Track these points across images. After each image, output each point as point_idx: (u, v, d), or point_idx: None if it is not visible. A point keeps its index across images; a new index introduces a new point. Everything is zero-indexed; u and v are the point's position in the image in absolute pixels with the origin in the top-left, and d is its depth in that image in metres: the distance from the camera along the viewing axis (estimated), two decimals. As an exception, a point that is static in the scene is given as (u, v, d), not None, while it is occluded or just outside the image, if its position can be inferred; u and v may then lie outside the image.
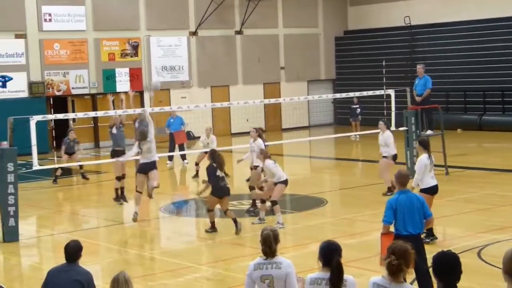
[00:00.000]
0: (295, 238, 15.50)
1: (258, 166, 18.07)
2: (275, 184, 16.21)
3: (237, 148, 27.22)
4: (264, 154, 16.57)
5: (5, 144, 19.12)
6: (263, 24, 39.18)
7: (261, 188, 17.20)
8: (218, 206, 16.24)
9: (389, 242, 9.96)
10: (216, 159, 15.76)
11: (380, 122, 19.72)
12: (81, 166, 24.35)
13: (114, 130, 20.25)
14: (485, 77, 34.74)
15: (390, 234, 10.26)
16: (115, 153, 19.85)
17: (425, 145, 14.19)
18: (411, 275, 9.62)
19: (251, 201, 18.38)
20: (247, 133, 23.05)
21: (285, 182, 16.38)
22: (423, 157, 13.97)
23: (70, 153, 24.06)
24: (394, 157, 19.42)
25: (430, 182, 13.88)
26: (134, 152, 17.87)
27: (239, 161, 20.15)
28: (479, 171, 23.06)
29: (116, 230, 17.59)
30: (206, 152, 22.37)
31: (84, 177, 24.52)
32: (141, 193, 17.43)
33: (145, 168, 17.45)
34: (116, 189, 19.91)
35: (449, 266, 5.91)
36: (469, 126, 34.24)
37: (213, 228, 15.91)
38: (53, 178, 24.16)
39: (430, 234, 13.94)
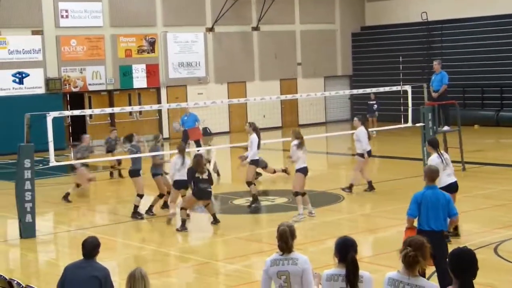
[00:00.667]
0: (312, 234, 15.47)
1: (256, 159, 18.62)
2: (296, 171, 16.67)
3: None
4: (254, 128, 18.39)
5: None
6: (280, 20, 39.15)
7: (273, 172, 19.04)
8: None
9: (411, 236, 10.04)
10: (195, 163, 16.21)
11: (355, 119, 20.30)
12: (119, 162, 24.39)
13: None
14: (502, 72, 34.64)
15: (413, 228, 10.30)
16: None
17: (434, 145, 14.28)
18: (429, 270, 9.64)
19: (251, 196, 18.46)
20: (265, 129, 23.15)
21: (302, 171, 16.41)
22: (433, 157, 14.00)
23: (111, 151, 24.31)
24: (369, 153, 19.60)
25: (446, 180, 13.82)
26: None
27: (242, 159, 19.70)
28: (496, 167, 22.97)
29: (133, 227, 17.63)
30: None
31: (120, 175, 24.53)
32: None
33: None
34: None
35: (466, 263, 5.87)
36: (486, 122, 34.10)
37: (183, 227, 16.14)
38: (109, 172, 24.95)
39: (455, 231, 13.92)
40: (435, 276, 10.33)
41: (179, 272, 13.33)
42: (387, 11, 40.49)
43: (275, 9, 37.77)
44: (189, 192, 16.69)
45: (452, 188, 13.87)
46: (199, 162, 16.14)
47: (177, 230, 16.13)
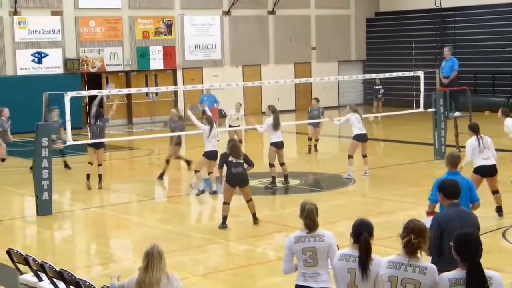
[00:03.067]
0: (323, 216, 15.46)
1: (277, 142, 18.79)
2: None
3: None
4: None
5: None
6: (295, 4, 39.37)
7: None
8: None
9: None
10: (230, 147, 14.78)
11: (347, 105, 21.10)
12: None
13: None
14: (512, 60, 34.82)
15: (435, 213, 10.45)
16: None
17: (474, 129, 14.79)
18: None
19: (271, 178, 18.80)
20: (280, 111, 23.52)
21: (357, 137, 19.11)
22: (471, 140, 14.62)
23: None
24: (359, 136, 19.99)
25: (479, 162, 14.52)
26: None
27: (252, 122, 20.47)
28: (506, 152, 23.15)
29: (147, 206, 17.97)
30: (236, 127, 22.89)
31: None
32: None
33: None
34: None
35: (472, 246, 6.02)
36: (497, 108, 34.12)
37: (224, 224, 14.75)
38: None
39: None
40: None
41: (190, 252, 13.49)
42: (401, -3, 40.65)
43: (291, -7, 38.01)
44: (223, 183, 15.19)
45: (483, 171, 14.53)
46: (234, 147, 14.76)
47: (219, 227, 14.73)
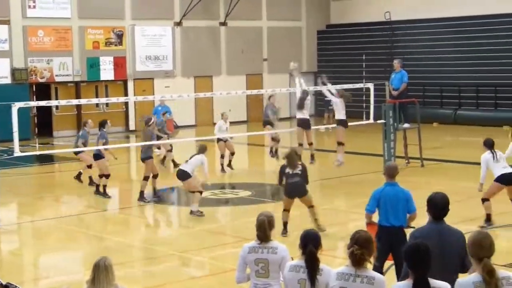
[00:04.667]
0: (275, 227, 15.78)
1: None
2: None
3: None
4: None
5: None
6: (247, 16, 39.49)
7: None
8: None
9: (373, 231, 10.35)
10: (288, 157, 14.62)
11: None
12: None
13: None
14: (460, 72, 35.50)
15: (373, 224, 10.49)
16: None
17: (487, 145, 15.09)
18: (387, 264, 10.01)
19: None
20: (230, 123, 23.63)
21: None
22: (485, 154, 15.03)
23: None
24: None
25: (500, 171, 14.81)
26: None
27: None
28: (454, 164, 23.53)
29: (98, 218, 17.83)
30: (224, 141, 22.77)
31: None
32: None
33: None
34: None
35: (420, 257, 6.05)
36: (445, 120, 34.92)
37: (285, 230, 14.60)
38: None
39: (488, 219, 15.01)
40: (392, 270, 10.56)
41: (143, 263, 13.48)
42: (352, 10, 41.02)
43: (242, 5, 38.06)
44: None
45: (504, 179, 14.81)
46: (292, 156, 14.53)
47: (282, 234, 14.37)
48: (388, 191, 10.43)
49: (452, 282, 6.22)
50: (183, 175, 16.78)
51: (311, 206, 14.77)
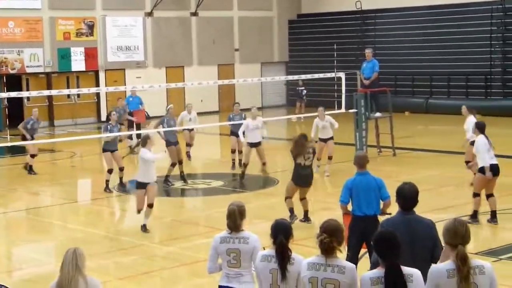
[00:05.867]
0: (247, 217, 15.80)
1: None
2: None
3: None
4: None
5: None
6: (218, 6, 39.41)
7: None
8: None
9: (348, 222, 10.42)
10: (298, 147, 14.50)
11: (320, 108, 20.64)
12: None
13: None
14: (432, 61, 35.69)
15: (349, 214, 10.52)
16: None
17: (480, 128, 14.42)
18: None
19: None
20: (202, 113, 23.59)
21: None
22: (481, 138, 14.20)
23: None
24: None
25: (489, 161, 14.06)
26: None
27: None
28: (425, 152, 23.70)
29: (70, 209, 17.76)
30: (190, 130, 22.72)
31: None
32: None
33: None
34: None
35: (389, 244, 6.07)
36: (416, 109, 35.14)
37: (292, 215, 14.62)
38: None
39: (474, 216, 14.19)
40: (365, 258, 10.63)
41: (114, 255, 13.44)
42: (322, 0, 41.09)
43: (213, -5, 38.06)
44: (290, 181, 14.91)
45: (496, 169, 14.14)
46: (303, 145, 14.47)
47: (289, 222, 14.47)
48: (360, 180, 10.46)
49: (422, 272, 6.15)
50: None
51: (304, 198, 14.82)
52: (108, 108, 35.72)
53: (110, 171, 18.66)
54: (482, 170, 14.16)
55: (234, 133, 21.48)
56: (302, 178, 14.52)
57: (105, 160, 19.08)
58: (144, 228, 14.59)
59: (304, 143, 14.46)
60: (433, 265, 6.21)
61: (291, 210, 14.69)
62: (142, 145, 14.69)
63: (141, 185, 14.55)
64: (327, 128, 20.19)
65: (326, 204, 16.49)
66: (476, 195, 14.31)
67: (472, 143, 18.30)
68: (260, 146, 19.92)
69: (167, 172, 19.25)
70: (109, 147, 18.78)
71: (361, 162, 10.63)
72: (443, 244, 6.28)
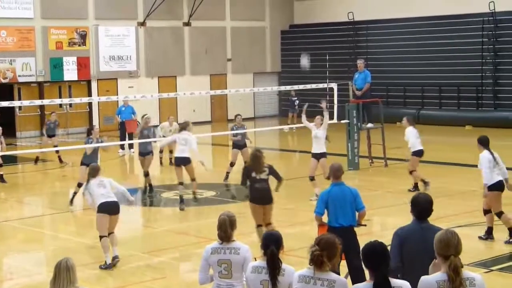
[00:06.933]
0: (239, 228, 15.76)
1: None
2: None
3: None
4: None
5: None
6: (210, 16, 39.45)
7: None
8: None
9: (323, 233, 10.41)
10: (254, 162, 13.32)
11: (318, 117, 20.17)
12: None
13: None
14: (423, 72, 35.81)
15: (324, 225, 10.55)
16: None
17: (483, 142, 13.76)
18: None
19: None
20: (193, 123, 23.47)
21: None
22: (484, 153, 13.56)
23: (52, 135, 25.01)
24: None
25: (496, 178, 13.53)
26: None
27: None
28: (417, 163, 23.71)
29: (61, 219, 17.74)
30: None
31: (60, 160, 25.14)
32: None
33: None
34: None
35: (379, 256, 6.02)
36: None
37: None
38: None
39: (489, 232, 13.88)
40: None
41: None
42: (315, 10, 41.16)
43: (206, 5, 38.03)
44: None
45: (501, 186, 13.63)
46: (258, 159, 13.26)
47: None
48: (335, 191, 10.49)
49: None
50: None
51: (269, 223, 13.35)
52: (101, 118, 35.76)
53: (80, 185, 18.01)
54: (496, 186, 13.59)
55: (236, 145, 21.31)
56: (258, 191, 13.20)
57: (80, 173, 18.42)
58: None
59: (260, 157, 13.27)
60: (422, 277, 6.18)
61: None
62: (92, 176, 13.31)
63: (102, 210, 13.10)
64: (320, 139, 18.67)
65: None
66: (500, 214, 13.75)
67: (414, 152, 18.65)
68: (190, 164, 18.05)
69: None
70: (87, 161, 18.26)
71: (336, 174, 10.64)
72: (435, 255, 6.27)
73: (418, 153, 19.05)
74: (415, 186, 18.75)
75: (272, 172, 13.37)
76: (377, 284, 5.96)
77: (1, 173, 21.77)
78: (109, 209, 12.92)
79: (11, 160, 25.50)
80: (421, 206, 7.50)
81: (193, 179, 18.17)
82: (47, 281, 6.78)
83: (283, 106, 40.51)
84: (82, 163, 18.44)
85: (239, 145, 21.07)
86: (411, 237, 7.07)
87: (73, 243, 14.89)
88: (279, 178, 13.62)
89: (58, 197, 19.93)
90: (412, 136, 19.27)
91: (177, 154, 18.22)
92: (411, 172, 18.95)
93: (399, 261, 7.07)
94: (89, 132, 18.54)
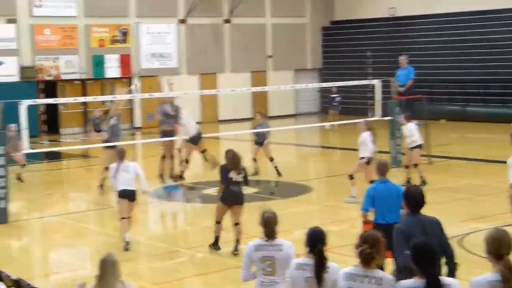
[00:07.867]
0: (280, 225, 15.70)
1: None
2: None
3: (224, 135, 27.71)
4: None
5: (12, 129, 19.50)
6: (251, 13, 39.45)
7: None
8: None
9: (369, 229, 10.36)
10: (230, 159, 13.13)
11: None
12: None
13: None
14: (468, 68, 35.25)
15: (369, 222, 10.54)
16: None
17: None
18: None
19: None
20: (234, 120, 23.55)
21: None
22: None
23: (99, 130, 25.20)
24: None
25: None
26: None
27: None
28: (462, 161, 23.47)
29: (105, 214, 17.84)
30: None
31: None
32: None
33: None
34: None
35: (429, 254, 6.04)
36: (452, 116, 34.70)
37: (215, 245, 13.49)
38: None
39: None
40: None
41: (148, 260, 13.48)
42: (356, 6, 40.92)
43: (246, 2, 38.05)
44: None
45: None
46: (236, 159, 13.08)
47: (209, 246, 13.57)
48: (381, 188, 10.54)
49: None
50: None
51: (238, 223, 13.20)
52: (143, 114, 35.95)
53: (106, 168, 18.10)
54: None
55: (257, 142, 21.67)
56: (232, 194, 13.01)
57: (105, 157, 19.14)
58: None
59: (238, 157, 13.05)
60: (473, 279, 6.08)
61: (217, 239, 13.45)
62: (120, 159, 14.05)
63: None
64: (363, 145, 17.87)
65: (355, 211, 16.43)
66: None
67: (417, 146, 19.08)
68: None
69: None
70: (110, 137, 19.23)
71: (382, 170, 10.71)
72: (485, 254, 6.16)
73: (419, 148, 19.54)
74: (408, 181, 18.74)
75: (245, 175, 13.21)
76: (430, 284, 5.92)
77: (20, 172, 21.57)
78: (128, 196, 14.02)
79: (55, 156, 25.78)
80: (415, 199, 7.73)
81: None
82: (91, 276, 6.82)
83: (324, 103, 40.36)
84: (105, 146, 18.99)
85: (258, 142, 21.53)
86: (414, 231, 7.33)
87: (115, 238, 14.95)
88: (247, 182, 13.42)
89: (103, 192, 20.04)
90: (415, 131, 19.51)
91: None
92: (407, 167, 19.31)
93: (408, 256, 6.86)
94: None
